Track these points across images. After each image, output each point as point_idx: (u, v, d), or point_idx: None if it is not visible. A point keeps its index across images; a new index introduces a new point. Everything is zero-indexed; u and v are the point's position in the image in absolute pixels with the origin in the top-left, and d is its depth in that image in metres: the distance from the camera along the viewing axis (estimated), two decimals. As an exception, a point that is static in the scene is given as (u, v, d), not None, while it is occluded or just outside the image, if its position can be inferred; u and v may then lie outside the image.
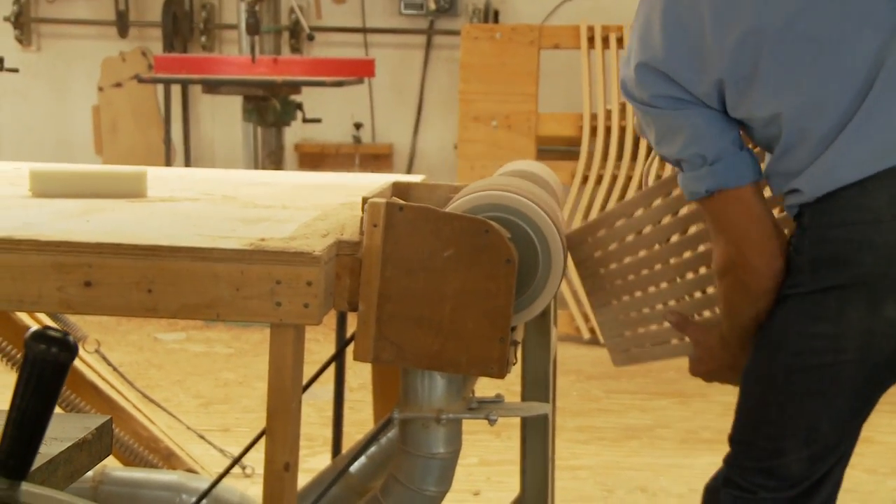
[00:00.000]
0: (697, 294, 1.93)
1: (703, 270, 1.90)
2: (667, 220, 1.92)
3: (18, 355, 2.74)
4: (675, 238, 1.92)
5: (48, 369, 1.07)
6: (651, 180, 2.14)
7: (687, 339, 1.92)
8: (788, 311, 1.72)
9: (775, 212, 1.78)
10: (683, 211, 1.92)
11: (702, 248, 1.88)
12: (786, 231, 1.79)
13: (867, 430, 1.79)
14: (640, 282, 1.96)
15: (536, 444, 2.08)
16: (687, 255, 1.92)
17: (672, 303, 1.95)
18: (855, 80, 1.63)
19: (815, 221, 1.68)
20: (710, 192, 1.71)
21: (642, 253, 1.95)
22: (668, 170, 1.89)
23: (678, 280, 1.94)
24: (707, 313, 1.92)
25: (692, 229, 1.89)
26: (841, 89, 1.64)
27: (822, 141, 1.65)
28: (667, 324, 1.94)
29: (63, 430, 1.56)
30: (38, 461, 1.13)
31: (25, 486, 1.11)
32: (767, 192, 1.76)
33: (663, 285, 1.95)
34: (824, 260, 1.67)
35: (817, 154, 1.65)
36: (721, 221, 1.74)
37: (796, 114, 1.65)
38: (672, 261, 1.93)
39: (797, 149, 1.67)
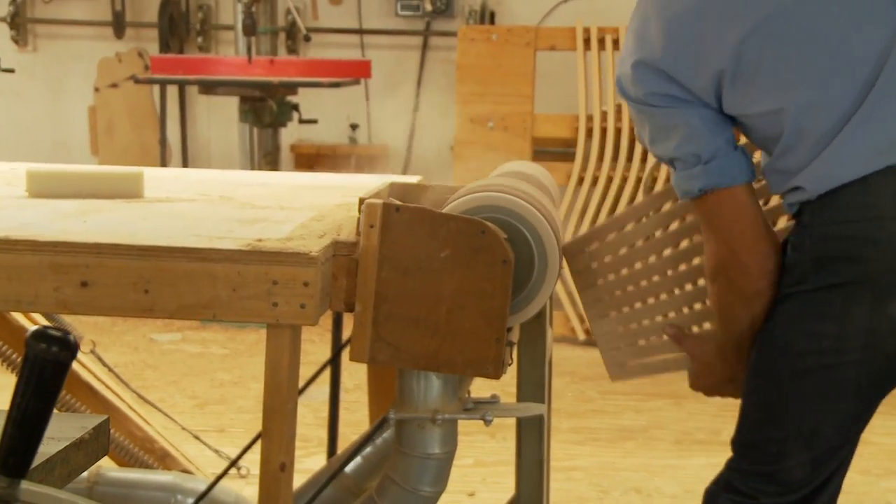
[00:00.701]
0: (696, 306, 1.93)
1: (699, 282, 1.90)
2: (659, 233, 1.93)
3: (14, 356, 2.74)
4: (668, 251, 1.93)
5: (48, 368, 1.07)
6: (652, 183, 2.15)
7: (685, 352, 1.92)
8: (791, 311, 1.72)
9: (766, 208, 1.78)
10: (674, 226, 1.92)
11: (696, 260, 1.89)
12: (782, 222, 1.78)
13: (861, 431, 1.80)
14: (636, 294, 1.96)
15: (532, 445, 2.09)
16: (682, 267, 1.92)
17: (671, 315, 1.95)
18: (858, 77, 1.63)
19: (816, 219, 1.67)
20: (703, 192, 1.71)
21: (638, 265, 1.95)
22: (663, 173, 1.89)
23: (675, 292, 1.94)
24: (707, 325, 1.92)
25: (684, 244, 1.90)
26: (843, 86, 1.63)
27: (824, 138, 1.65)
28: (665, 337, 1.94)
29: (60, 430, 1.57)
30: (36, 460, 1.14)
31: (25, 485, 1.11)
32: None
33: (661, 297, 1.95)
34: (827, 258, 1.67)
35: (818, 151, 1.65)
36: (713, 221, 1.74)
37: (798, 110, 1.65)
38: (668, 273, 1.93)
39: (798, 146, 1.67)
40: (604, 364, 2.04)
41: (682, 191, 1.75)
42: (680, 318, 1.93)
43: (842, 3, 1.64)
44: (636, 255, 1.95)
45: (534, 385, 2.08)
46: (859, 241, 1.65)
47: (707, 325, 1.92)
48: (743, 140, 1.78)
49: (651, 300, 1.96)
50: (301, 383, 1.77)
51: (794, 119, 1.66)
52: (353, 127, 6.05)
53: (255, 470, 1.71)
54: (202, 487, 2.37)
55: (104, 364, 3.05)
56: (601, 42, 5.04)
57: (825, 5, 1.63)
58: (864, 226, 1.64)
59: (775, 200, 1.86)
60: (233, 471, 2.86)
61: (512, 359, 1.89)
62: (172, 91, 6.04)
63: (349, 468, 2.06)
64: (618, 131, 5.03)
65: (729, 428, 1.84)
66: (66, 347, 1.09)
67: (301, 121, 5.28)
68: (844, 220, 1.65)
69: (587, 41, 5.06)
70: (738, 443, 1.81)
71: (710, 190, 1.71)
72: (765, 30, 1.64)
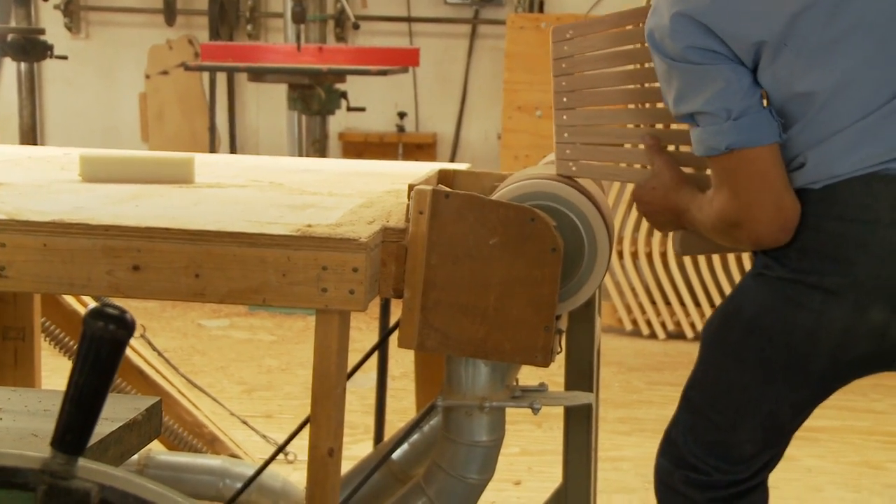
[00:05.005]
0: (660, 126, 1.87)
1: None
2: (639, 45, 1.85)
3: (66, 339, 2.77)
4: (650, 64, 1.84)
5: (105, 346, 1.08)
6: None
7: (636, 166, 1.88)
8: (766, 293, 1.70)
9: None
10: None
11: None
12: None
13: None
14: (610, 95, 1.91)
15: (579, 434, 2.08)
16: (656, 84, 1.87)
17: (636, 126, 1.90)
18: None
19: (811, 209, 1.64)
20: (730, 149, 1.65)
21: (619, 67, 1.90)
22: None
23: (646, 105, 1.89)
24: (670, 148, 1.87)
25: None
26: (882, 79, 1.61)
27: (845, 123, 1.62)
28: (627, 145, 1.90)
29: (113, 411, 1.58)
30: (90, 441, 1.15)
31: (82, 462, 1.13)
32: None
33: (632, 106, 1.90)
34: (815, 250, 1.64)
35: (833, 133, 1.62)
36: (733, 179, 1.66)
37: (830, 95, 1.62)
38: (647, 85, 1.87)
39: (816, 126, 1.63)
40: (555, 160, 1.97)
41: (707, 147, 1.67)
42: (643, 133, 1.88)
43: None
44: (621, 58, 1.89)
45: (582, 374, 2.08)
46: (851, 242, 1.62)
47: (670, 149, 1.87)
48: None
49: (622, 106, 1.91)
50: (349, 369, 1.77)
51: (822, 103, 1.62)
52: (401, 115, 6.05)
53: (303, 455, 1.72)
54: (250, 472, 2.39)
55: (154, 349, 3.08)
56: (651, 30, 5.00)
57: None
58: (859, 227, 1.61)
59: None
60: (280, 456, 2.88)
61: (561, 347, 1.88)
62: (222, 78, 6.08)
63: (396, 455, 2.06)
64: (667, 120, 4.99)
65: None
66: (123, 326, 1.10)
67: (349, 108, 5.29)
68: (839, 216, 1.62)
69: (637, 30, 5.02)
70: (688, 409, 1.80)
71: (738, 148, 1.64)
72: (823, 6, 1.60)
